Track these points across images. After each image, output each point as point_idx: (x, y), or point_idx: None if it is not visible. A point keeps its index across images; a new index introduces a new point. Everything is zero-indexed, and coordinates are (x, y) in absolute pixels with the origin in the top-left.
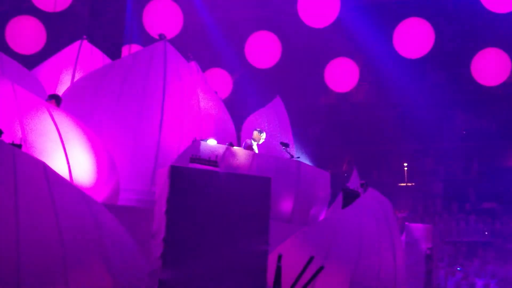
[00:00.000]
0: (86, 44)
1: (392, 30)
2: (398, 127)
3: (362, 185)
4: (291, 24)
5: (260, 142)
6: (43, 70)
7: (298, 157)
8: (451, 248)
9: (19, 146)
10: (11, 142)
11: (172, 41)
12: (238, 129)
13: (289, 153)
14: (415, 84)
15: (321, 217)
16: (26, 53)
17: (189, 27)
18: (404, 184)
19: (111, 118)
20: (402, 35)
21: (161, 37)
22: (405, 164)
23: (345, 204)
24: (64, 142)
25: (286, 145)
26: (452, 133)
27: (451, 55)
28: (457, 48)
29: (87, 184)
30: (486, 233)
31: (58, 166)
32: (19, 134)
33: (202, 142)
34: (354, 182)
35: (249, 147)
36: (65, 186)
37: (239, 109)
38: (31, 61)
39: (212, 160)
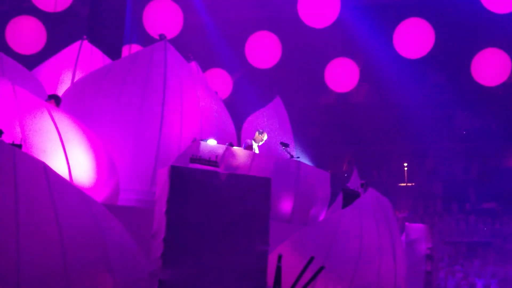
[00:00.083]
0: (86, 44)
1: (392, 30)
2: (398, 127)
3: (362, 185)
4: (291, 24)
5: (261, 143)
6: (43, 70)
7: (298, 157)
8: (451, 248)
9: (19, 146)
10: (11, 142)
11: (172, 41)
12: (238, 129)
13: (289, 153)
14: (415, 84)
15: (321, 217)
16: (26, 53)
17: (189, 27)
18: (404, 184)
19: (111, 118)
20: (402, 35)
21: (161, 37)
22: (405, 164)
23: (345, 204)
24: (64, 142)
25: (286, 145)
26: (452, 133)
27: (451, 55)
28: (457, 48)
29: (87, 184)
30: (485, 229)
31: (58, 166)
32: (19, 134)
33: (202, 142)
34: (354, 182)
35: (249, 147)
36: (65, 186)
37: (239, 109)
38: (31, 61)
39: (212, 160)
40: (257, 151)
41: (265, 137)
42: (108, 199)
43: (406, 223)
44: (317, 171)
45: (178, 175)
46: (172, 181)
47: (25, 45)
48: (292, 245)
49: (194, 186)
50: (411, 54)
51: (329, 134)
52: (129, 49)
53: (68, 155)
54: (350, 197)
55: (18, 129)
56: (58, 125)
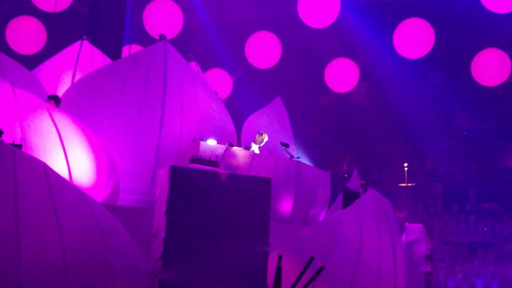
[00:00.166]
0: (86, 44)
1: (392, 31)
2: (398, 128)
3: (362, 185)
4: (291, 25)
5: (262, 144)
6: (44, 70)
7: (298, 157)
8: (451, 248)
9: (20, 146)
10: (11, 142)
11: (172, 42)
12: (238, 129)
13: (289, 153)
14: (415, 85)
15: (321, 217)
16: (27, 53)
17: (189, 28)
18: (404, 185)
19: (111, 119)
20: (402, 36)
21: (162, 37)
22: (405, 165)
23: (345, 204)
24: (64, 143)
25: (286, 145)
26: (452, 133)
27: (451, 55)
28: (457, 49)
29: (87, 184)
30: (485, 230)
31: (58, 166)
32: (19, 134)
33: (202, 142)
34: (354, 182)
35: (247, 147)
36: (66, 186)
37: (239, 109)
38: (31, 62)
39: (212, 161)
40: (257, 151)
41: (265, 138)
42: (108, 199)
43: (406, 223)
44: (317, 171)
45: (178, 175)
46: (172, 181)
47: (25, 45)
48: (292, 245)
49: (194, 186)
50: (411, 54)
51: (329, 134)
52: (129, 49)
53: (68, 155)
54: (350, 197)
55: (18, 130)
56: (58, 126)
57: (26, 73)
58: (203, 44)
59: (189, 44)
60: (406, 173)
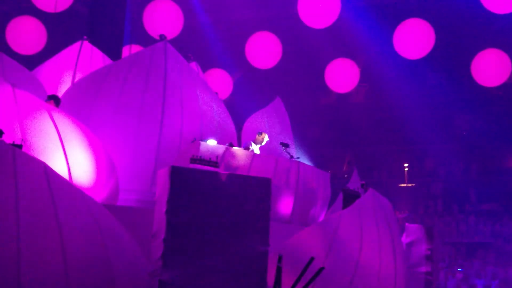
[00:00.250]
0: (86, 44)
1: (393, 31)
2: (398, 128)
3: (362, 185)
4: (292, 25)
5: (263, 144)
6: (44, 70)
7: (298, 158)
8: (451, 249)
9: (20, 146)
10: (11, 142)
11: (173, 42)
12: (238, 129)
13: (289, 153)
14: (415, 85)
15: (321, 217)
16: (27, 54)
17: (190, 28)
18: (405, 185)
19: (111, 119)
20: (402, 36)
21: (162, 37)
22: (406, 165)
23: (346, 204)
24: (64, 143)
25: (286, 145)
26: (452, 134)
27: (451, 56)
28: (457, 49)
29: (86, 184)
30: (485, 230)
31: (58, 166)
32: (19, 134)
33: (202, 143)
34: (354, 183)
35: (246, 148)
36: (66, 186)
37: (239, 109)
38: (31, 62)
39: (212, 161)
40: (257, 151)
41: (266, 137)
42: (107, 199)
43: (406, 224)
44: (317, 171)
45: (178, 175)
46: (172, 181)
47: (26, 45)
48: (292, 246)
49: (194, 186)
50: (411, 54)
51: (329, 134)
52: (129, 50)
53: (68, 156)
54: (350, 198)
55: (18, 130)
56: (58, 126)
57: (26, 73)
58: (203, 44)
59: (189, 44)
60: (406, 173)
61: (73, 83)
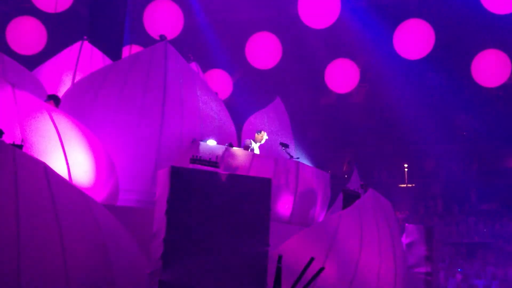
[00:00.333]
0: (86, 44)
1: (393, 31)
2: (398, 128)
3: (362, 186)
4: (292, 25)
5: (262, 142)
6: (44, 70)
7: (298, 158)
8: (451, 249)
9: (20, 146)
10: (12, 142)
11: (173, 42)
12: (238, 129)
13: (288, 153)
14: (415, 85)
15: (321, 218)
16: (27, 54)
17: (190, 28)
18: (405, 185)
19: (112, 119)
20: (403, 36)
21: (162, 38)
22: (406, 165)
23: (346, 205)
24: (63, 143)
25: (285, 145)
26: (452, 134)
27: (451, 56)
28: (457, 49)
29: (86, 184)
30: (485, 230)
31: (57, 166)
32: (19, 135)
33: (202, 143)
34: (354, 183)
35: (246, 147)
36: (66, 186)
37: (239, 109)
38: (32, 62)
39: (212, 161)
40: (257, 151)
41: (265, 136)
42: (107, 199)
43: (406, 224)
44: (317, 171)
45: (178, 175)
46: (172, 181)
47: (26, 45)
48: (292, 246)
49: (194, 186)
50: (411, 55)
51: (329, 134)
52: (130, 50)
53: (68, 156)
54: (350, 198)
55: (18, 130)
56: (58, 126)
57: (26, 74)
58: (203, 45)
59: (189, 45)
60: (406, 173)
61: (73, 84)
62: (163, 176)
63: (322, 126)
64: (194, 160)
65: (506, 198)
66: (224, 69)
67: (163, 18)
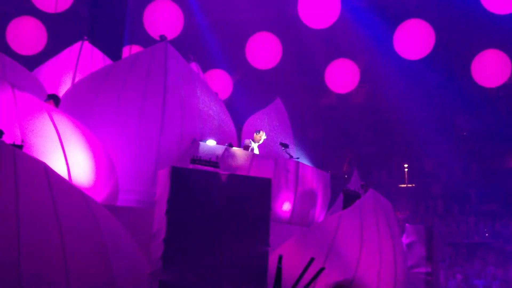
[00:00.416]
0: (86, 45)
1: (393, 32)
2: (398, 128)
3: (362, 186)
4: (292, 25)
5: (260, 142)
6: (44, 71)
7: (298, 158)
8: (451, 249)
9: (20, 147)
10: (12, 143)
11: (173, 42)
12: (238, 129)
13: (288, 153)
14: (416, 86)
15: (321, 218)
16: (27, 54)
17: (190, 28)
18: (405, 185)
19: (112, 119)
20: (403, 36)
21: (162, 38)
22: (406, 166)
23: (346, 205)
24: (63, 143)
25: (285, 145)
26: (453, 134)
27: (451, 56)
28: (457, 50)
29: (86, 184)
30: (487, 234)
31: (57, 167)
32: (19, 135)
33: (202, 143)
34: (354, 183)
35: (246, 147)
36: (66, 186)
37: (239, 110)
38: (32, 62)
39: (212, 161)
40: (256, 151)
41: (263, 136)
42: (107, 199)
43: (406, 224)
44: (317, 171)
45: (178, 175)
46: (173, 181)
47: (26, 45)
48: (292, 246)
49: (195, 186)
50: (411, 55)
51: (329, 135)
52: (130, 50)
53: (67, 156)
54: (350, 198)
55: (17, 130)
56: (57, 126)
57: (26, 74)
58: (203, 45)
59: (189, 45)
60: (406, 174)
61: (73, 84)
62: (163, 176)
63: (322, 126)
64: (194, 160)
65: (506, 198)
66: (224, 69)
67: (163, 18)
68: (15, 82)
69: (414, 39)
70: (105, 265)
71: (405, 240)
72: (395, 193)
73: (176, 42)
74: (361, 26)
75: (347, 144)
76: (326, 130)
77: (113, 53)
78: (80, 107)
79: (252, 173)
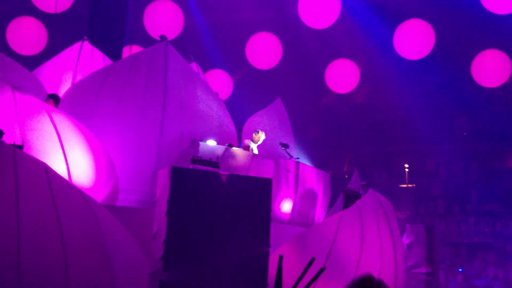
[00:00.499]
0: (87, 45)
1: (393, 31)
2: (399, 128)
3: (362, 186)
4: (292, 25)
5: (260, 142)
6: (44, 71)
7: (298, 158)
8: (451, 249)
9: (21, 147)
10: (12, 143)
11: (173, 42)
12: (239, 129)
13: (288, 153)
14: (416, 86)
15: (322, 218)
16: (27, 54)
17: (190, 28)
18: (405, 185)
19: (112, 119)
20: (403, 36)
21: (162, 38)
22: (406, 166)
23: (346, 205)
24: (63, 143)
25: (285, 145)
26: (453, 134)
27: (452, 56)
28: (458, 50)
29: (86, 184)
30: (486, 231)
31: (57, 167)
32: (19, 135)
33: (202, 143)
34: (354, 183)
35: (245, 148)
36: (66, 187)
37: (239, 110)
38: (32, 62)
39: (212, 161)
40: (256, 151)
41: (262, 136)
42: (107, 199)
43: (407, 224)
44: (317, 172)
45: (178, 176)
46: (173, 182)
47: (26, 46)
48: (292, 246)
49: (195, 187)
50: (412, 55)
51: (329, 135)
52: (130, 50)
53: (67, 156)
54: (350, 198)
55: (17, 130)
56: (57, 126)
57: (26, 74)
58: (203, 45)
59: (189, 45)
60: (406, 174)
61: (73, 84)
62: (163, 176)
63: (322, 126)
64: (195, 161)
65: (506, 198)
66: (224, 69)
67: (164, 19)
68: (15, 82)
69: (414, 39)
70: (105, 265)
71: (405, 240)
72: (395, 193)
73: (176, 42)
74: (361, 26)
75: (347, 144)
76: (326, 130)
77: (113, 53)
78: (80, 107)
79: (252, 173)
